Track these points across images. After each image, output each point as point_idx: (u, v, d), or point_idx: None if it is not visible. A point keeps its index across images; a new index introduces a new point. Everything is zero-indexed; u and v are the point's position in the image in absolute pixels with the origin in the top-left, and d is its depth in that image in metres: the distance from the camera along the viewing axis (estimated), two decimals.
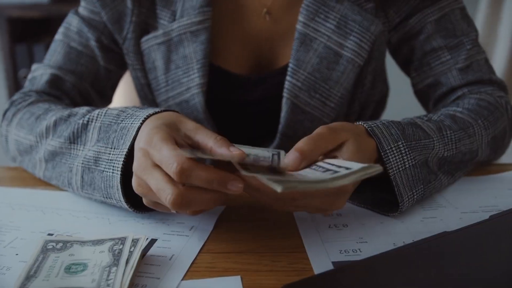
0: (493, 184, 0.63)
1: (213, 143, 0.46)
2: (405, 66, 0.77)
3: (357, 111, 0.77)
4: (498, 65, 1.87)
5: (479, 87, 0.70)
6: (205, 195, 0.44)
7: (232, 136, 0.75)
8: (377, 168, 0.40)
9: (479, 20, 1.88)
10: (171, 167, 0.42)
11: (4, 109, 0.71)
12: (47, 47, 1.76)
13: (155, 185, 0.44)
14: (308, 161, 0.46)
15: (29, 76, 0.76)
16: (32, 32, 1.84)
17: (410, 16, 0.71)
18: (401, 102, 1.12)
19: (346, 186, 0.47)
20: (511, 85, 1.88)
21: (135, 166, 0.47)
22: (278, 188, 0.37)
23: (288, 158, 0.45)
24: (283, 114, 0.70)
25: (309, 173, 0.45)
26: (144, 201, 0.49)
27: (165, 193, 0.43)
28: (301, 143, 0.46)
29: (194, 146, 0.48)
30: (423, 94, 0.76)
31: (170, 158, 0.42)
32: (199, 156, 0.42)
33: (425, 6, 0.70)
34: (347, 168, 0.42)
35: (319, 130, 0.49)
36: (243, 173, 0.41)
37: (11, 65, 1.75)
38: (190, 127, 0.48)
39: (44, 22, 1.88)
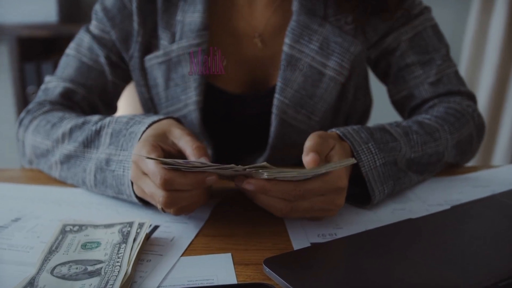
0: (459, 183, 0.70)
1: (190, 152, 0.54)
2: (383, 79, 0.85)
3: (341, 122, 0.85)
4: (488, 70, 1.94)
5: (448, 98, 0.78)
6: (188, 193, 0.52)
7: (226, 148, 0.84)
8: (352, 160, 0.48)
9: (471, 25, 1.95)
10: (156, 179, 0.50)
11: (20, 117, 0.79)
12: (55, 66, 1.86)
13: (148, 190, 0.53)
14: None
15: (43, 87, 0.83)
16: (41, 51, 1.93)
17: (387, 35, 0.79)
18: (385, 113, 1.20)
19: (340, 182, 0.52)
20: (502, 87, 1.96)
21: (131, 175, 0.56)
22: (265, 174, 0.45)
23: (307, 159, 0.50)
24: (272, 128, 0.77)
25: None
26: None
27: (157, 196, 0.52)
28: (312, 147, 0.52)
29: (180, 151, 0.57)
30: (399, 105, 0.84)
31: (154, 171, 0.50)
32: (176, 166, 0.49)
33: (400, 25, 0.78)
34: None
35: (314, 139, 0.53)
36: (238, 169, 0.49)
37: (20, 83, 1.84)
38: (176, 135, 0.57)
39: (52, 42, 1.98)
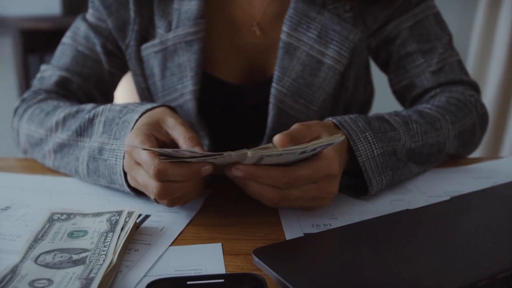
0: (460, 174, 0.68)
1: (182, 142, 0.53)
2: (384, 68, 0.83)
3: (341, 112, 0.83)
4: (496, 65, 1.91)
5: (450, 87, 0.76)
6: (182, 184, 0.50)
7: (223, 138, 0.82)
8: (340, 137, 0.47)
9: (478, 21, 1.92)
10: (149, 170, 0.48)
11: (15, 106, 0.78)
12: None
13: (142, 181, 0.51)
14: None
15: (38, 76, 0.82)
16: (44, 44, 1.92)
17: (387, 23, 0.77)
18: (388, 103, 1.17)
19: (332, 169, 0.50)
20: (510, 82, 1.93)
21: (124, 165, 0.55)
22: (249, 152, 0.44)
23: (275, 137, 0.50)
24: (270, 118, 0.76)
25: None
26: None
27: (151, 187, 0.50)
28: (281, 135, 0.50)
29: (174, 141, 0.55)
30: (400, 94, 0.82)
31: (148, 161, 0.49)
32: (172, 159, 0.48)
33: (400, 13, 0.76)
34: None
35: (295, 126, 0.53)
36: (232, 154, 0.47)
37: (23, 75, 1.84)
38: (170, 125, 0.55)
39: (55, 34, 1.97)
